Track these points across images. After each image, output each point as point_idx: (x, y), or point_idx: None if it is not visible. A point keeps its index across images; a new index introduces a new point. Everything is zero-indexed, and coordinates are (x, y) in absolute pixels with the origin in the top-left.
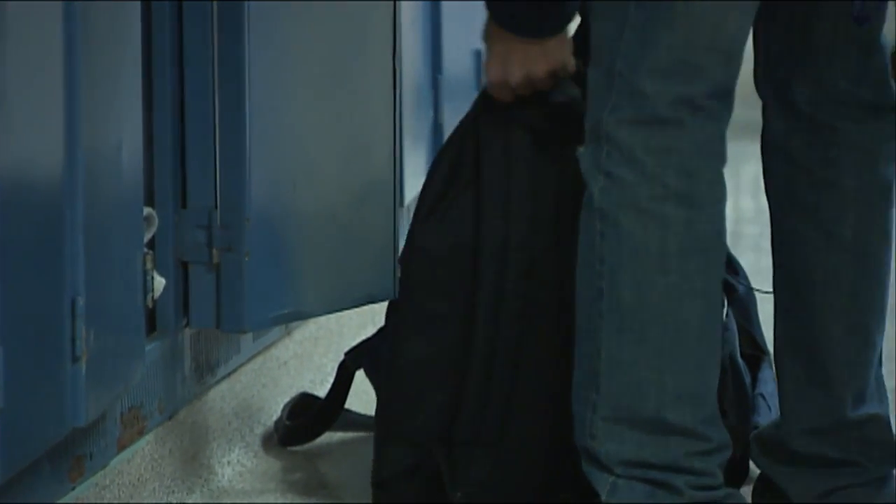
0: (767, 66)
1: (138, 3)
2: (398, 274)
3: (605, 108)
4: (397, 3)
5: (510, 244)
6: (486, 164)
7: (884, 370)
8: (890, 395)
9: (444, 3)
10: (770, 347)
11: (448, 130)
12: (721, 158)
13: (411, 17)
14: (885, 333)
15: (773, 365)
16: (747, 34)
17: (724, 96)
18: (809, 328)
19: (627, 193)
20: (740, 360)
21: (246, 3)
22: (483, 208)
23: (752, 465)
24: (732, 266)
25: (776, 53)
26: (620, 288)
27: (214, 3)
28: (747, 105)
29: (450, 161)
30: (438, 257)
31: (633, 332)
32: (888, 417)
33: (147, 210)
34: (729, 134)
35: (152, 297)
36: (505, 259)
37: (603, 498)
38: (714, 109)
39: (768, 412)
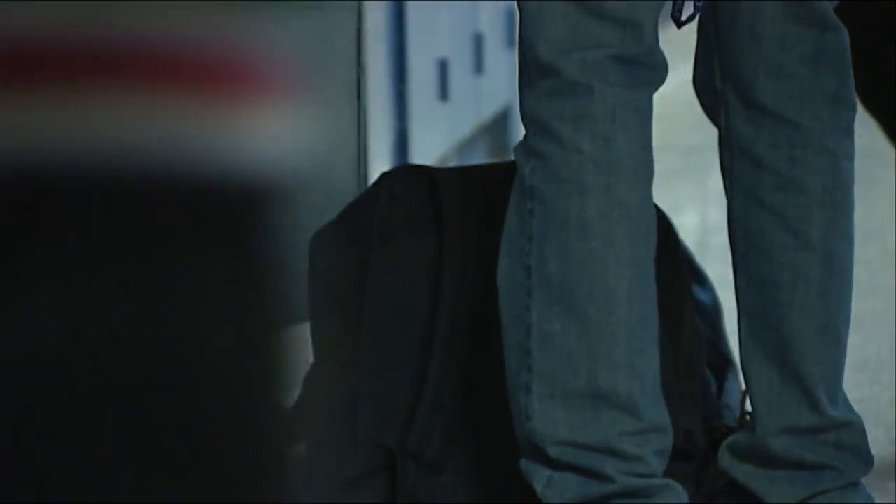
0: (725, 67)
1: None
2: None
3: (524, 87)
4: (362, 12)
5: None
6: (445, 219)
7: (867, 377)
8: (881, 400)
9: (408, 11)
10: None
11: (413, 142)
12: (637, 130)
13: (375, 25)
14: (871, 341)
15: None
16: (652, 3)
17: (630, 63)
18: (779, 329)
19: (550, 166)
20: (707, 370)
21: None
22: (443, 264)
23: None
24: (699, 276)
25: (732, 52)
26: (547, 260)
27: None
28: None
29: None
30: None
31: (561, 304)
32: (862, 424)
33: None
34: (698, 145)
35: None
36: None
37: (539, 491)
38: (622, 76)
39: (734, 422)
